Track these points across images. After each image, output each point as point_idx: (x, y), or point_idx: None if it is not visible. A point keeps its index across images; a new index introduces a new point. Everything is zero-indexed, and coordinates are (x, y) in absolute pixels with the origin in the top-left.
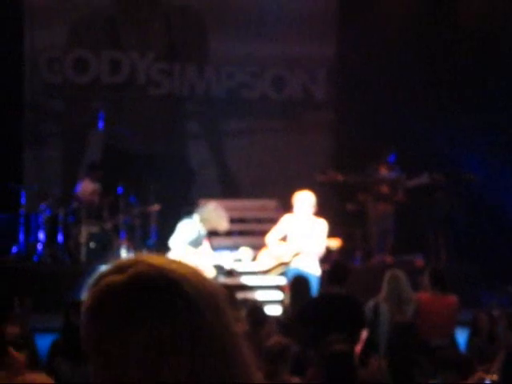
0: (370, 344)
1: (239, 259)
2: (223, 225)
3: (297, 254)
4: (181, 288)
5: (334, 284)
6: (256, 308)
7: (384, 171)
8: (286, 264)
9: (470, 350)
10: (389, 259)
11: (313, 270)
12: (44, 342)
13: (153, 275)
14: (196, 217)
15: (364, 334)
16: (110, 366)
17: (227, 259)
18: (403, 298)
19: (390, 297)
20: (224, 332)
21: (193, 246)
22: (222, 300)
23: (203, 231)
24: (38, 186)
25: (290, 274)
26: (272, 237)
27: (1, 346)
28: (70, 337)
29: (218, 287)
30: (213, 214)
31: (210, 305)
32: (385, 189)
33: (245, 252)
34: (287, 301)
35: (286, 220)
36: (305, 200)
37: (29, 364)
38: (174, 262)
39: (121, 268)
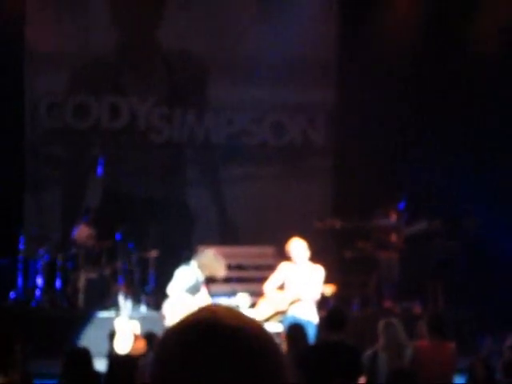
0: None
1: (237, 306)
2: (221, 271)
3: (293, 302)
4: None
5: (332, 331)
6: None
7: (393, 217)
8: (282, 312)
9: None
10: (388, 305)
11: (310, 316)
12: None
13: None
14: (194, 263)
15: (362, 381)
16: None
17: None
18: (401, 345)
19: (389, 345)
20: None
21: (190, 292)
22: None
23: (201, 278)
24: (38, 230)
25: (287, 322)
26: (270, 285)
27: None
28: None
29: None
30: (211, 260)
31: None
32: (392, 237)
33: (242, 298)
34: (284, 348)
35: (283, 267)
36: (298, 247)
37: None
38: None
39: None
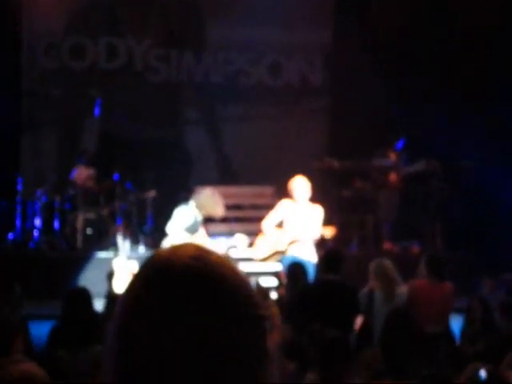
0: (365, 331)
1: (235, 246)
2: (219, 211)
3: (292, 242)
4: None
5: (329, 271)
6: (260, 289)
7: (392, 157)
8: (281, 252)
9: (464, 338)
10: (387, 246)
11: (309, 257)
12: (40, 329)
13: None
14: (192, 203)
15: (359, 320)
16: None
17: (223, 245)
18: (394, 284)
19: (382, 284)
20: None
21: (189, 232)
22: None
23: (199, 217)
24: (35, 172)
25: (286, 262)
26: (268, 222)
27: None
28: (70, 324)
29: (266, 312)
30: (209, 200)
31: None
32: (391, 177)
33: (240, 239)
34: (283, 287)
35: (282, 206)
36: (301, 186)
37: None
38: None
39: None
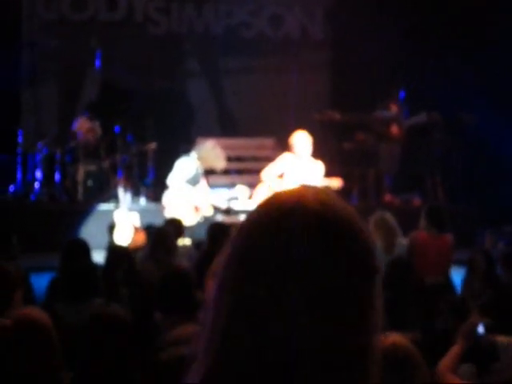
0: None
1: (236, 197)
2: (220, 163)
3: None
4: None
5: None
6: None
7: (394, 110)
8: None
9: (466, 291)
10: (388, 198)
11: None
12: (40, 281)
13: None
14: (194, 155)
15: None
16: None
17: (224, 197)
18: (391, 233)
19: (382, 235)
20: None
21: (190, 184)
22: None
23: (201, 169)
24: (35, 125)
25: None
26: (269, 173)
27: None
28: (69, 276)
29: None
30: (210, 152)
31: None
32: (393, 129)
33: (241, 190)
34: None
35: (284, 158)
36: (302, 141)
37: (25, 302)
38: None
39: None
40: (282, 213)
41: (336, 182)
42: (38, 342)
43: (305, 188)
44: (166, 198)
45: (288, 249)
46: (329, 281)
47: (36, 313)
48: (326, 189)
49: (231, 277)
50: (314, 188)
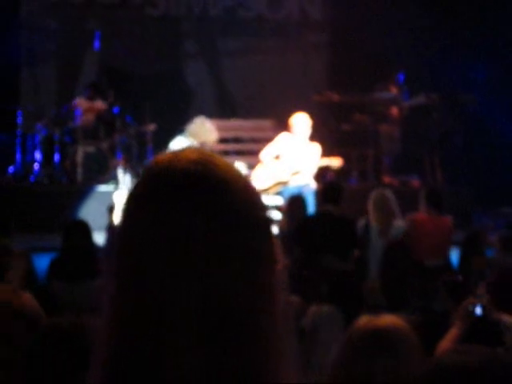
0: (360, 264)
1: None
2: (212, 137)
3: (295, 173)
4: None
5: (328, 204)
6: None
7: (393, 91)
8: (284, 183)
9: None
10: (387, 179)
11: (309, 189)
12: (40, 262)
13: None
14: (186, 133)
15: (356, 253)
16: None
17: None
18: (389, 214)
19: (380, 216)
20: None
21: None
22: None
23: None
24: (35, 105)
25: (287, 194)
26: (267, 153)
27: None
28: (70, 257)
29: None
30: (201, 127)
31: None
32: (392, 110)
33: (239, 167)
34: (283, 220)
35: (282, 138)
36: (302, 122)
37: (27, 282)
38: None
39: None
40: (151, 180)
41: (336, 162)
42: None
43: (178, 151)
44: None
45: (160, 220)
46: (209, 246)
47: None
48: (204, 149)
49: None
50: (190, 149)
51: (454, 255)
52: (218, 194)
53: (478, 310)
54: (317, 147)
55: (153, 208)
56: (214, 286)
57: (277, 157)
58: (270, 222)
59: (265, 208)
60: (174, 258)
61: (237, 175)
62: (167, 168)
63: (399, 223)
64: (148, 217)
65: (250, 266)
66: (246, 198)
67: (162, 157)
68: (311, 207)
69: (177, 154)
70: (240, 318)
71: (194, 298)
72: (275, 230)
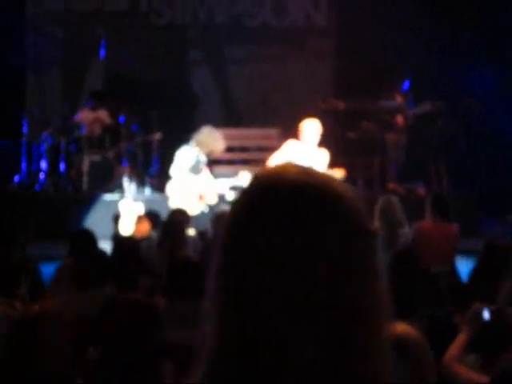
0: None
1: (240, 186)
2: (219, 146)
3: None
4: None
5: None
6: None
7: (399, 99)
8: None
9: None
10: (392, 187)
11: None
12: (46, 270)
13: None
14: (192, 142)
15: None
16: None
17: (227, 185)
18: (395, 221)
19: (382, 220)
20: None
21: (192, 172)
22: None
23: (202, 157)
24: (40, 114)
25: None
26: (275, 161)
27: (6, 271)
28: (76, 265)
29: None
30: (208, 136)
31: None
32: (398, 119)
33: (245, 177)
34: None
35: (290, 145)
36: (313, 129)
37: (34, 291)
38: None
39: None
40: (256, 195)
41: (339, 173)
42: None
43: (281, 166)
44: (170, 188)
45: (267, 232)
46: (317, 253)
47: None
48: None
49: (219, 267)
50: (291, 164)
51: (461, 261)
52: (328, 205)
53: (486, 315)
54: (325, 154)
55: (262, 226)
56: (339, 302)
57: None
58: (374, 234)
59: (368, 221)
60: (289, 277)
61: (342, 187)
62: (276, 179)
63: (406, 231)
64: (254, 236)
65: (368, 275)
66: (356, 208)
67: (268, 170)
68: None
69: (282, 167)
70: (364, 328)
71: (320, 324)
72: None
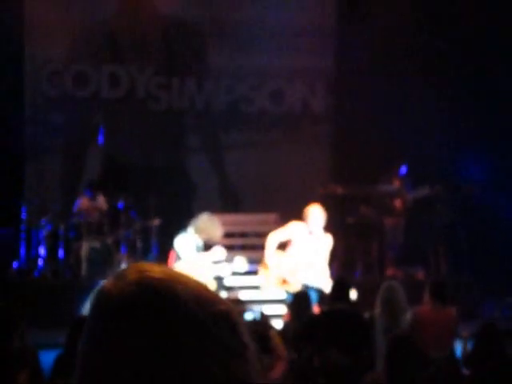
0: (366, 359)
1: (236, 271)
2: (218, 233)
3: (305, 269)
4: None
5: (337, 300)
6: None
7: (396, 184)
8: (289, 286)
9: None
10: (391, 272)
11: (319, 284)
12: (45, 358)
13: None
14: (191, 229)
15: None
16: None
17: (227, 271)
18: (398, 309)
19: (385, 308)
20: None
21: (191, 259)
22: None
23: (200, 243)
24: (39, 200)
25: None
26: (274, 238)
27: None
28: (74, 354)
29: (229, 306)
30: (207, 223)
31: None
32: (397, 203)
33: (239, 261)
34: (288, 315)
35: (293, 227)
36: (318, 214)
37: (34, 380)
38: (177, 273)
39: (120, 276)
40: (94, 306)
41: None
42: None
43: (123, 272)
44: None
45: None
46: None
47: None
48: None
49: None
50: (131, 269)
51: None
52: (152, 308)
53: None
54: (329, 239)
55: (93, 335)
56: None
57: (284, 244)
58: (224, 312)
59: (215, 302)
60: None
61: (181, 280)
62: (107, 295)
63: (407, 317)
64: (90, 344)
65: (216, 357)
66: (192, 301)
67: (107, 282)
68: (315, 302)
69: (117, 278)
70: None
71: None
72: (279, 324)
